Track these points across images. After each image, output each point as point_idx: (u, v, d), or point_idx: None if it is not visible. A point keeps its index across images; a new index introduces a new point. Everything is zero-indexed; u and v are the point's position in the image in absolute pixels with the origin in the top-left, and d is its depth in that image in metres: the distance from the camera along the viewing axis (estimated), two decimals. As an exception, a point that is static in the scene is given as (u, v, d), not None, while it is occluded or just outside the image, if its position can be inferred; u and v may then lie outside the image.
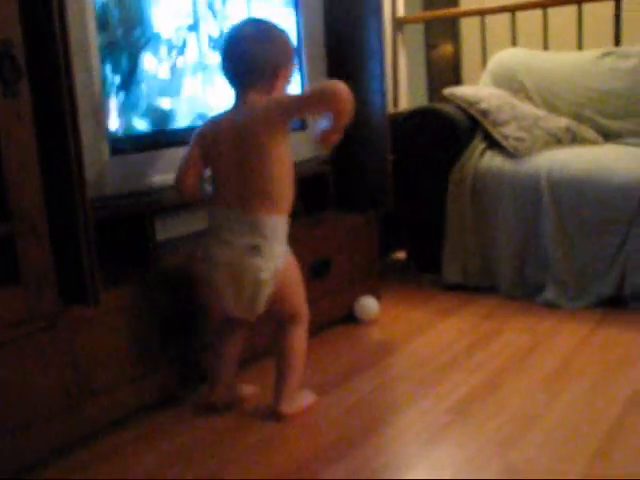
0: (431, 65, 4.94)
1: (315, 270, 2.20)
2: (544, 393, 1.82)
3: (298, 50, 2.23)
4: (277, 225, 1.71)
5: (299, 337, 1.78)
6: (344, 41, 2.40)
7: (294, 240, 2.12)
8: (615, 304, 2.40)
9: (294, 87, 2.03)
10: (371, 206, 2.40)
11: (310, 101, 1.73)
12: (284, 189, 1.72)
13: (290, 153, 1.74)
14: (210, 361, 1.83)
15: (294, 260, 1.77)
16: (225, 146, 1.71)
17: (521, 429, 1.64)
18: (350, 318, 2.38)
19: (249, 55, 1.70)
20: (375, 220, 2.42)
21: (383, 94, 2.33)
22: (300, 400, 1.79)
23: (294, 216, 2.20)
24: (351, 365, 2.05)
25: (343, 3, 2.38)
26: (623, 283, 2.39)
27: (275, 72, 1.73)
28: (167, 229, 2.07)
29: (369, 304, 2.37)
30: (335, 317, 2.34)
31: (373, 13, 2.35)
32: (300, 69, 2.25)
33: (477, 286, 2.63)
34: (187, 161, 1.74)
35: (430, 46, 5.02)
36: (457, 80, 4.45)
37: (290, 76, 1.80)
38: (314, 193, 2.34)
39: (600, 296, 2.42)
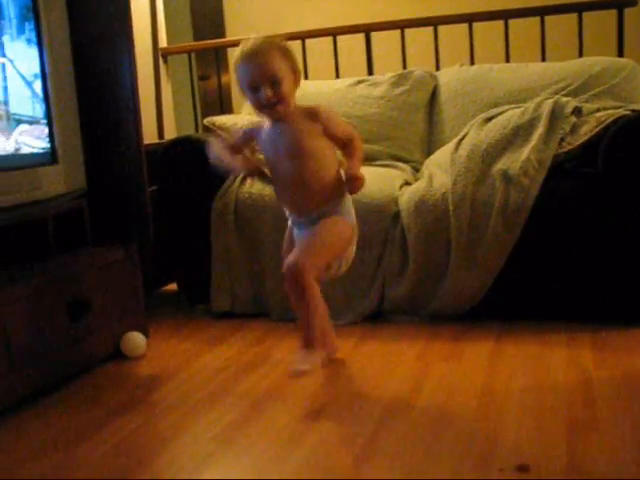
0: (203, 96, 4.96)
1: (74, 309, 2.10)
2: (308, 412, 1.85)
3: (44, 85, 2.15)
4: None
5: None
6: (95, 74, 2.33)
7: (50, 280, 2.03)
8: (377, 318, 2.51)
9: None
10: (131, 239, 2.34)
11: None
12: None
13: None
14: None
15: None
16: None
17: (285, 450, 1.65)
18: (118, 355, 2.30)
19: None
20: (137, 254, 2.35)
21: (137, 126, 2.29)
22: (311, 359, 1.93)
23: (48, 254, 2.12)
24: (116, 404, 1.97)
25: (92, 36, 2.32)
26: (383, 298, 2.51)
27: None
28: None
29: (135, 340, 2.30)
30: (101, 356, 2.25)
31: (124, 45, 2.31)
32: (46, 102, 2.16)
33: (248, 313, 2.65)
34: None
35: (202, 77, 5.05)
36: (227, 110, 4.49)
37: None
38: (70, 229, 2.25)
39: (364, 312, 2.52)
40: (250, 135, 2.10)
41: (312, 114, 1.99)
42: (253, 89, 1.94)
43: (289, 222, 2.14)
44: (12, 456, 1.70)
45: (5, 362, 1.88)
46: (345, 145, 2.04)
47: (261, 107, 1.96)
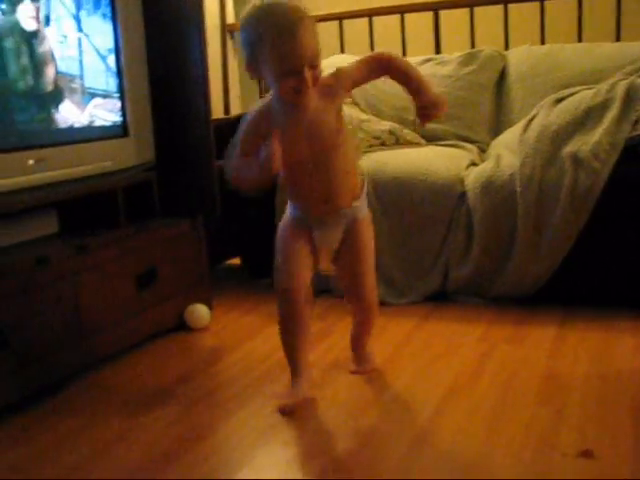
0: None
1: (141, 279, 2.15)
2: (371, 387, 1.86)
3: (117, 60, 2.18)
4: None
5: None
6: (166, 48, 2.36)
7: (118, 249, 2.08)
8: (439, 299, 2.50)
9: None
10: (198, 212, 2.38)
11: None
12: None
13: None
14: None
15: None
16: None
17: (346, 423, 1.67)
18: (182, 326, 2.34)
19: None
20: (202, 227, 2.39)
21: (206, 100, 2.32)
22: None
23: (117, 224, 2.17)
24: (180, 374, 2.01)
25: (163, 12, 2.34)
26: (446, 279, 2.50)
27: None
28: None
29: (199, 312, 2.34)
30: (165, 326, 2.30)
31: (194, 21, 2.33)
32: (119, 77, 2.20)
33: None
34: None
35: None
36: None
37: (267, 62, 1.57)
38: (139, 200, 2.29)
39: (426, 292, 2.51)
40: (261, 124, 1.70)
41: (327, 86, 1.65)
42: (289, 73, 1.54)
43: (292, 218, 1.85)
44: (77, 422, 1.75)
45: (75, 329, 1.93)
46: (390, 72, 1.75)
47: (293, 93, 1.58)
